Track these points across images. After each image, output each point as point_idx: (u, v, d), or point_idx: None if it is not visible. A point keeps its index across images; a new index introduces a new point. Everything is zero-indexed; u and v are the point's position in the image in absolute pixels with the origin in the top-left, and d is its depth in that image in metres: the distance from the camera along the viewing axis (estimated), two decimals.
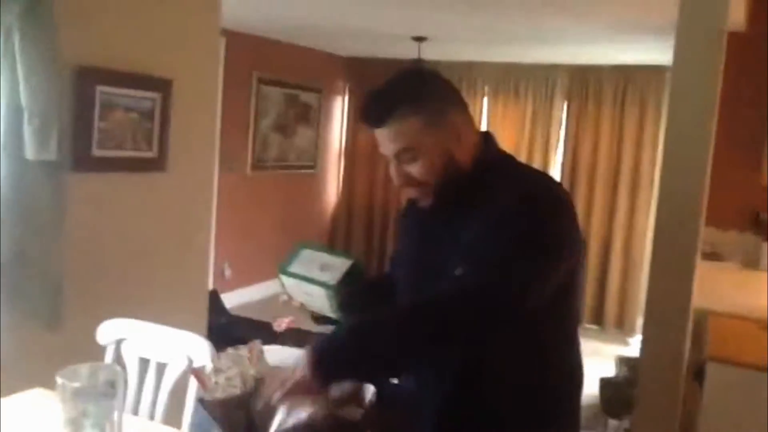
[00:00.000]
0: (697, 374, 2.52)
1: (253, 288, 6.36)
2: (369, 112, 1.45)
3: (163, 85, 2.73)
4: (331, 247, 1.68)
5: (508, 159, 1.55)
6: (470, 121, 1.50)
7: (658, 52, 5.05)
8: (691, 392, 2.61)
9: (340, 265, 1.54)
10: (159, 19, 2.76)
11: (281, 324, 5.51)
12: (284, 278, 1.63)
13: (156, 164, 2.77)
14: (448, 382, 1.45)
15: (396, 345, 1.34)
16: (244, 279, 6.26)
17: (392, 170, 1.47)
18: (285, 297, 1.75)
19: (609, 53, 5.67)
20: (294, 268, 1.60)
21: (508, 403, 1.45)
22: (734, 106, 3.87)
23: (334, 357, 1.36)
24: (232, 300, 5.87)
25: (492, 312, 1.32)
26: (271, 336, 5.15)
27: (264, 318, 5.64)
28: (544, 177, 1.58)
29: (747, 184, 3.81)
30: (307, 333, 5.36)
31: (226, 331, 4.98)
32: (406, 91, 1.45)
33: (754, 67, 3.82)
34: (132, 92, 2.64)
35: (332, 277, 1.53)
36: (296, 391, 1.33)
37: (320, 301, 1.57)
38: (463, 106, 1.49)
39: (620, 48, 5.35)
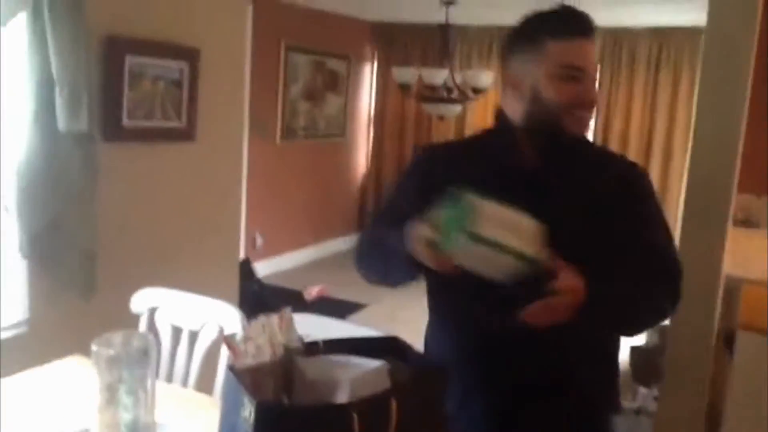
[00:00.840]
0: (728, 342, 2.50)
1: (284, 256, 6.43)
2: (582, 21, 1.41)
3: (191, 54, 2.74)
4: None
5: None
6: None
7: (693, 13, 4.91)
8: (721, 361, 2.59)
9: (526, 226, 1.20)
10: None
11: (312, 292, 5.59)
12: (463, 240, 1.18)
13: (185, 134, 2.79)
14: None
15: (654, 308, 1.40)
16: (276, 248, 6.32)
17: (580, 87, 1.39)
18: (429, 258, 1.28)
19: (643, 15, 5.53)
20: (482, 228, 1.16)
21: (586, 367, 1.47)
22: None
23: (606, 297, 1.28)
24: (264, 268, 5.94)
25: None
26: (301, 304, 5.22)
27: (295, 286, 5.73)
28: None
29: None
30: (338, 301, 5.43)
31: (258, 298, 5.06)
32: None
33: None
34: (160, 62, 2.66)
35: (527, 245, 1.19)
36: (546, 314, 1.22)
37: (501, 270, 1.21)
38: None
39: (655, 9, 5.21)
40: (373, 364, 1.42)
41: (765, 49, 3.54)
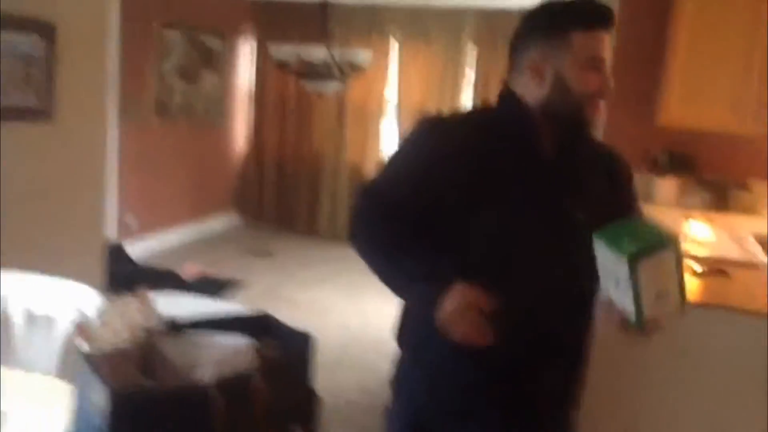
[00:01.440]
0: None
1: (161, 237, 6.22)
2: (606, 13, 1.43)
3: (46, 29, 2.57)
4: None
5: None
6: None
7: None
8: None
9: (673, 304, 1.24)
10: None
11: (190, 271, 5.39)
12: (618, 255, 1.20)
13: (41, 113, 2.63)
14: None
15: None
16: (152, 229, 6.10)
17: (600, 76, 1.42)
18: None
19: None
20: (643, 265, 1.18)
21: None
22: (630, 50, 3.99)
23: None
24: (140, 251, 5.73)
25: None
26: (180, 284, 5.06)
27: (173, 267, 5.53)
28: None
29: (642, 125, 3.95)
30: (218, 280, 5.30)
31: (133, 281, 4.85)
32: None
33: (650, 10, 3.93)
34: (13, 37, 2.47)
35: (657, 310, 1.23)
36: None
37: (619, 307, 1.25)
38: None
39: None
40: (239, 342, 1.39)
41: (624, 30, 3.73)
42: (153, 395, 1.27)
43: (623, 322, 1.28)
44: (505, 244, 1.39)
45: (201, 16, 6.35)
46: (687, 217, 3.27)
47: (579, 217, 1.39)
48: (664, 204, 3.95)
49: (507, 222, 1.39)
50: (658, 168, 4.00)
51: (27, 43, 2.52)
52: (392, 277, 1.38)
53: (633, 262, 1.17)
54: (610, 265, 1.23)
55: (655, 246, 1.19)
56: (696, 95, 3.68)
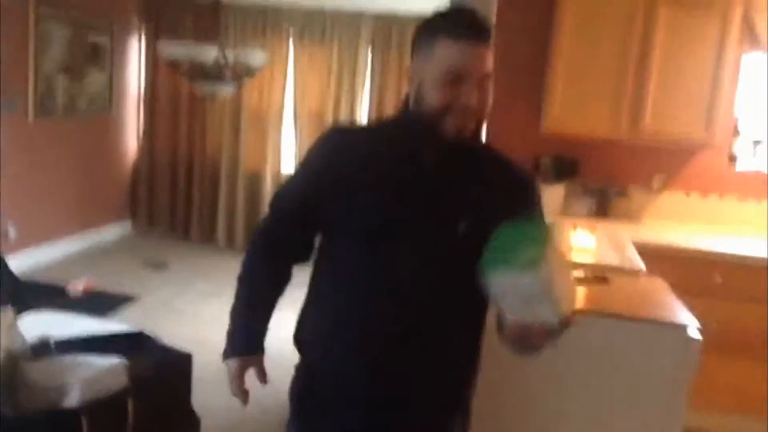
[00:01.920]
0: None
1: (45, 248, 5.86)
2: (476, 26, 1.41)
3: None
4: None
5: None
6: None
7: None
8: None
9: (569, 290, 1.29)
10: None
11: (77, 287, 5.11)
12: (517, 271, 1.21)
13: None
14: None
15: None
16: (35, 238, 5.74)
17: (462, 90, 1.38)
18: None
19: (410, 2, 5.76)
20: (542, 267, 1.22)
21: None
22: (518, 58, 4.11)
23: None
24: (21, 263, 5.34)
25: None
26: (66, 301, 4.79)
27: (59, 281, 5.23)
28: None
29: (529, 132, 4.08)
30: (108, 294, 5.05)
31: (14, 297, 4.55)
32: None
33: (533, 20, 4.06)
34: None
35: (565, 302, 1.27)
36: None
37: (532, 313, 1.26)
38: None
39: None
40: (109, 362, 1.33)
41: (507, 39, 3.84)
42: (16, 421, 1.18)
43: (545, 333, 1.31)
44: (378, 247, 1.44)
45: (86, 8, 6.05)
46: (573, 225, 3.39)
47: (459, 226, 1.41)
48: (552, 212, 4.09)
49: (378, 228, 1.44)
50: (545, 175, 4.15)
51: None
52: (234, 315, 1.65)
53: (534, 267, 1.20)
54: (511, 286, 1.23)
55: (543, 243, 1.24)
56: (576, 102, 3.84)
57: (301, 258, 1.62)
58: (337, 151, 1.52)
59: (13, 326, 1.34)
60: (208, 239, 6.92)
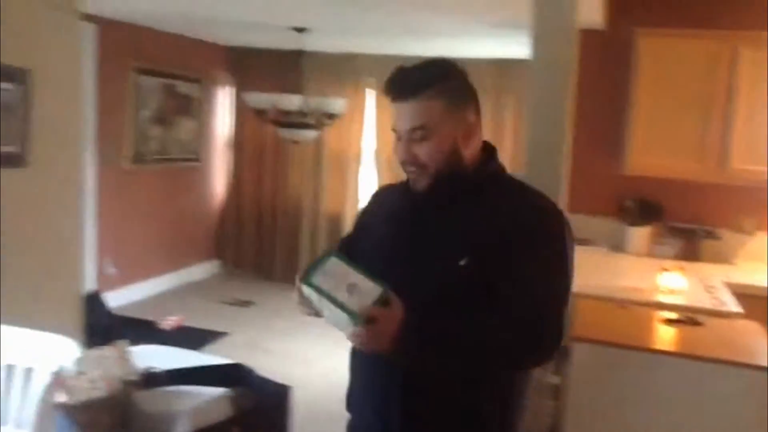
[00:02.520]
0: (564, 354, 2.66)
1: (139, 286, 6.14)
2: (396, 85, 1.49)
3: (20, 75, 2.59)
4: (357, 263, 1.48)
5: (506, 171, 1.65)
6: (480, 125, 1.55)
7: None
8: (560, 371, 2.75)
9: (369, 290, 1.37)
10: (9, 5, 2.59)
11: (169, 322, 5.35)
12: (306, 288, 1.42)
13: (17, 159, 2.62)
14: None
15: (482, 350, 1.41)
16: (130, 277, 6.03)
17: (399, 146, 1.51)
18: (302, 308, 1.52)
19: (487, 47, 5.84)
20: (319, 280, 1.39)
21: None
22: (598, 101, 4.11)
23: (423, 332, 1.37)
24: (117, 299, 5.63)
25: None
26: (157, 335, 4.99)
27: (151, 317, 5.47)
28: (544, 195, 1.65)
29: (611, 174, 4.05)
30: (197, 330, 5.25)
31: (109, 331, 4.79)
32: (439, 73, 1.50)
33: (613, 63, 4.06)
34: None
35: (359, 304, 1.35)
36: (369, 343, 1.35)
37: (341, 323, 1.38)
38: (478, 107, 1.55)
39: (495, 42, 5.53)
40: (215, 392, 1.40)
41: (590, 82, 3.86)
42: None
43: (353, 332, 1.35)
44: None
45: (177, 62, 6.41)
46: (661, 267, 3.32)
47: (461, 261, 1.44)
48: (636, 253, 4.02)
49: (369, 251, 1.58)
50: (629, 217, 4.09)
51: (4, 89, 2.54)
52: None
53: (310, 282, 1.38)
54: (315, 301, 1.40)
55: (317, 262, 1.42)
56: (659, 144, 3.79)
57: None
58: (373, 199, 1.75)
59: (127, 358, 1.43)
60: (290, 278, 7.04)
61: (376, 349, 1.35)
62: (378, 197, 1.75)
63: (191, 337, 5.00)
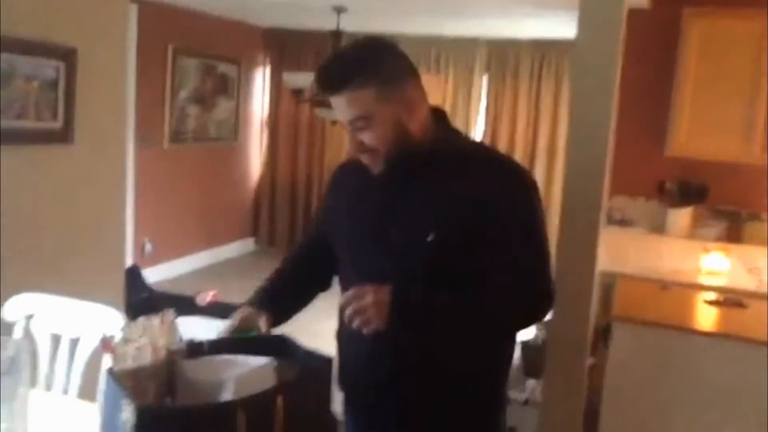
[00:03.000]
0: (605, 333, 2.64)
1: (176, 262, 6.26)
2: (325, 79, 1.47)
3: (67, 54, 2.63)
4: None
5: (461, 134, 1.64)
6: (424, 95, 1.52)
7: (571, 26, 5.16)
8: (600, 353, 2.73)
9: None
10: None
11: (205, 297, 5.45)
12: None
13: (62, 136, 2.67)
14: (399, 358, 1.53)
15: (483, 317, 1.46)
16: (167, 254, 6.15)
17: (347, 136, 1.51)
18: None
19: (525, 27, 5.77)
20: None
21: (454, 389, 1.55)
22: (640, 82, 4.03)
23: (418, 304, 1.41)
24: (154, 275, 5.76)
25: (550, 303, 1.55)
26: (194, 310, 5.08)
27: (187, 293, 5.57)
28: (500, 152, 1.66)
29: (653, 155, 3.99)
30: (232, 306, 5.31)
31: (148, 305, 4.88)
32: (364, 60, 1.46)
33: (658, 43, 3.98)
34: (33, 60, 2.53)
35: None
36: (365, 315, 1.37)
37: None
38: (417, 79, 1.51)
39: (535, 22, 5.45)
40: (259, 362, 1.41)
41: (634, 63, 3.78)
42: (178, 413, 1.28)
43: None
44: (352, 256, 1.61)
45: (215, 43, 6.45)
46: (705, 249, 3.27)
47: (428, 236, 1.45)
48: (677, 235, 3.96)
49: (339, 234, 1.63)
50: (670, 198, 4.02)
51: (49, 67, 2.58)
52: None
53: None
54: None
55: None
56: (704, 125, 3.72)
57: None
58: (335, 182, 1.77)
59: (173, 327, 1.46)
60: None
61: (370, 324, 1.38)
62: (338, 177, 1.74)
63: (226, 313, 4.96)
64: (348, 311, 1.38)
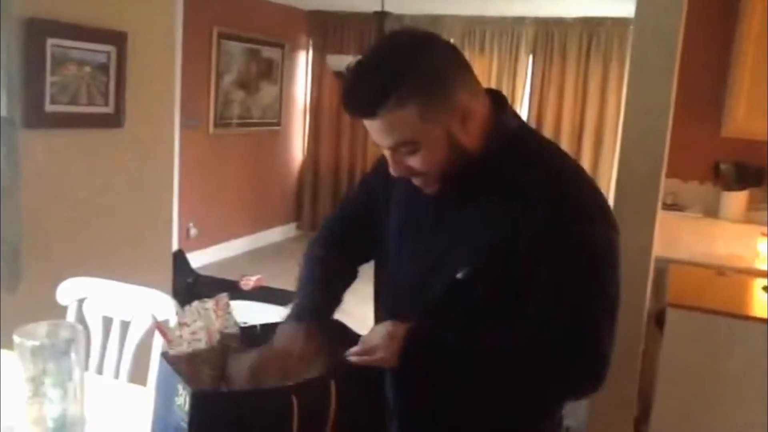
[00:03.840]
0: (658, 321, 2.58)
1: (219, 247, 6.32)
2: (354, 101, 1.19)
3: (117, 38, 2.65)
4: None
5: (525, 133, 1.33)
6: (476, 92, 1.23)
7: (621, 4, 5.04)
8: (652, 339, 2.67)
9: None
10: None
11: (249, 282, 5.52)
12: None
13: (113, 120, 2.70)
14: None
15: (500, 368, 1.21)
16: (211, 238, 6.21)
17: (389, 160, 1.24)
18: None
19: (573, 5, 5.64)
20: None
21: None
22: (695, 60, 3.90)
23: (430, 351, 1.22)
24: (198, 260, 5.83)
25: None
26: (239, 294, 5.14)
27: (231, 277, 5.64)
28: (573, 165, 1.29)
29: (707, 136, 3.86)
30: (276, 291, 5.38)
31: (193, 290, 4.96)
32: (398, 70, 1.15)
33: (716, 20, 3.84)
34: (85, 45, 2.55)
35: None
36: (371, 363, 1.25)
37: None
38: (467, 75, 1.22)
39: (584, 0, 5.32)
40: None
41: (691, 41, 3.66)
42: (234, 397, 1.28)
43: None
44: (392, 263, 1.42)
45: (259, 27, 6.46)
46: (762, 234, 3.16)
47: (459, 272, 1.23)
48: (731, 218, 3.84)
49: (392, 246, 1.41)
50: (725, 181, 3.90)
51: (100, 52, 2.60)
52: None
53: None
54: None
55: None
56: (763, 105, 3.58)
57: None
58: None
59: (227, 311, 1.46)
60: None
61: (377, 361, 1.24)
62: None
63: (270, 297, 5.07)
64: (353, 359, 1.26)
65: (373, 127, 1.19)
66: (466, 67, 1.22)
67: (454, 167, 1.22)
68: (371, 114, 1.16)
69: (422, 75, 1.15)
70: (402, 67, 1.15)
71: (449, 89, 1.18)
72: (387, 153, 1.24)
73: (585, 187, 1.24)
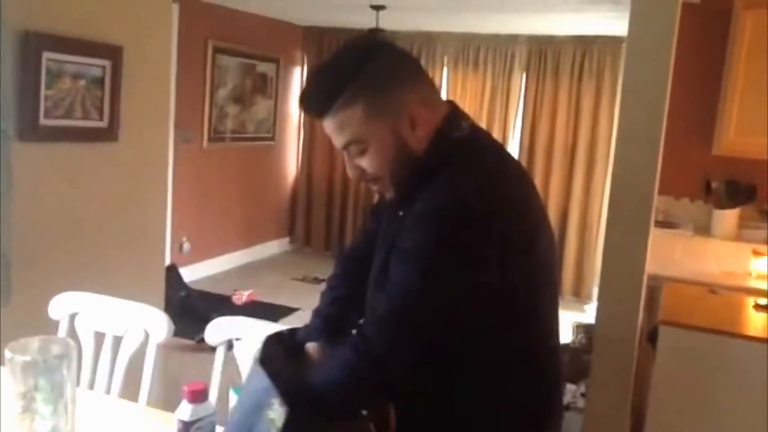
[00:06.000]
0: (651, 338, 2.58)
1: (213, 261, 6.31)
2: (308, 100, 1.28)
3: (113, 52, 2.65)
4: None
5: (471, 140, 1.31)
6: (427, 98, 1.29)
7: (614, 22, 5.08)
8: (645, 355, 2.68)
9: None
10: None
11: (241, 297, 5.50)
12: None
13: (107, 134, 2.69)
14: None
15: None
16: (204, 253, 6.19)
17: (346, 162, 1.31)
18: None
19: (566, 23, 5.68)
20: None
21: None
22: (687, 78, 3.93)
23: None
24: (191, 274, 5.81)
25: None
26: (230, 309, 5.12)
27: (224, 292, 5.63)
28: (482, 168, 1.26)
29: (698, 154, 3.88)
30: (269, 305, 5.37)
31: (185, 304, 4.94)
32: (347, 74, 1.23)
33: (708, 39, 3.87)
34: (81, 59, 2.56)
35: None
36: None
37: None
38: (416, 82, 1.28)
39: (577, 18, 5.37)
40: None
41: (683, 59, 3.69)
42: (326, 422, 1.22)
43: None
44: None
45: (254, 42, 6.49)
46: (755, 252, 3.18)
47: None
48: (723, 236, 3.86)
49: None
50: (717, 199, 3.92)
51: (96, 66, 2.61)
52: None
53: None
54: None
55: None
56: (754, 123, 3.61)
57: None
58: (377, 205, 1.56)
59: None
60: None
61: None
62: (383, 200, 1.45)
63: (263, 312, 5.09)
64: None
65: (327, 127, 1.27)
66: (419, 76, 1.30)
67: (403, 171, 1.26)
68: (323, 112, 1.25)
69: (367, 77, 1.23)
70: (349, 71, 1.24)
71: (394, 92, 1.24)
72: (345, 156, 1.30)
73: (461, 189, 1.21)
